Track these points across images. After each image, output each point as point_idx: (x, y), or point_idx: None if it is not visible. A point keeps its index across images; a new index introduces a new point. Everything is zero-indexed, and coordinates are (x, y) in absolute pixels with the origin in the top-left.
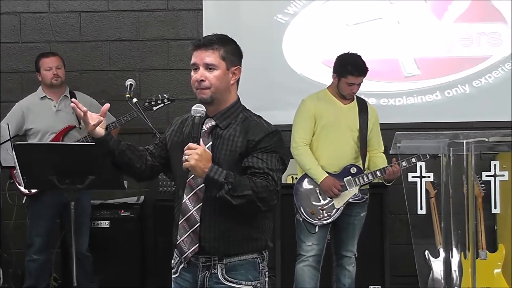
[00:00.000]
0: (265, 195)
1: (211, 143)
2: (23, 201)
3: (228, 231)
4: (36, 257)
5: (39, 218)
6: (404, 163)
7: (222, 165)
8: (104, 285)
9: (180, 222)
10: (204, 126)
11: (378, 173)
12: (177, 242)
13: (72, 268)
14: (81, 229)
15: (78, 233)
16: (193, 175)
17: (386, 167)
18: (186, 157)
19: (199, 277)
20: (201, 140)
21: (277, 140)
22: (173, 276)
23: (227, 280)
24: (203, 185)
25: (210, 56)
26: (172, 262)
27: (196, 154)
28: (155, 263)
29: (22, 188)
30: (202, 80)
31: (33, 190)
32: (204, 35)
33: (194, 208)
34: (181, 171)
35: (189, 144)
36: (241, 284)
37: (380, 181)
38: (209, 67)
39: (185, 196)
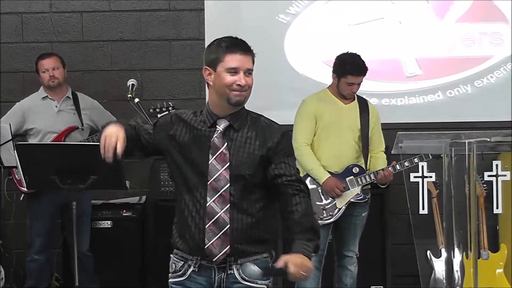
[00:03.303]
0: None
1: (226, 144)
2: (21, 198)
3: (251, 231)
4: (36, 257)
5: (38, 217)
6: (406, 163)
7: (240, 166)
8: (105, 285)
9: (207, 226)
10: (217, 126)
11: (372, 176)
12: (206, 246)
13: (73, 268)
14: (82, 229)
15: (79, 233)
16: (214, 178)
17: (378, 171)
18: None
19: (216, 279)
20: (215, 139)
21: (290, 140)
22: (177, 279)
23: (244, 280)
24: (227, 185)
25: (249, 62)
26: (173, 266)
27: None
28: (156, 263)
29: (20, 186)
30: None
31: None
32: (206, 35)
33: (222, 210)
34: (195, 172)
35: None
36: (256, 283)
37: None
38: (248, 71)
39: (209, 199)
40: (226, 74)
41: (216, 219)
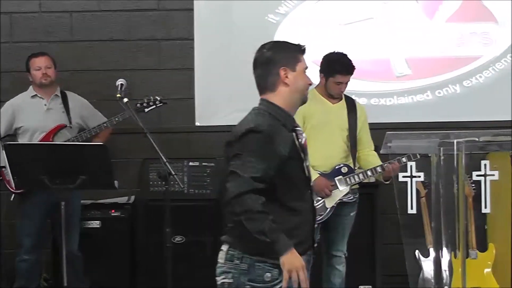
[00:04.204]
0: None
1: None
2: (11, 199)
3: None
4: (26, 257)
5: (28, 217)
6: (404, 159)
7: None
8: (94, 285)
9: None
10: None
11: (379, 169)
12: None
13: (62, 268)
14: (72, 229)
15: (68, 233)
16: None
17: (385, 164)
18: None
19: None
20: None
21: None
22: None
23: None
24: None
25: None
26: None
27: None
28: (146, 263)
29: (9, 186)
30: None
31: None
32: (195, 35)
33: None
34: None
35: None
36: None
37: (371, 181)
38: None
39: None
40: (304, 74)
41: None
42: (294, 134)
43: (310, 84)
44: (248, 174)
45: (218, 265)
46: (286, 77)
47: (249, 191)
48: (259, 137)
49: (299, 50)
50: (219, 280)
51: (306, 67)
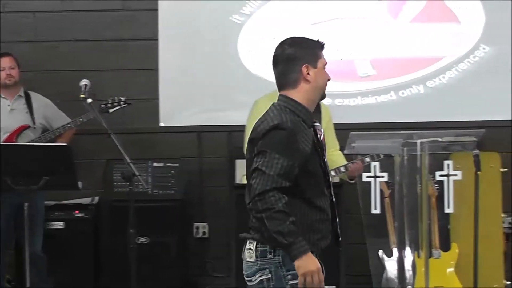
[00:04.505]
0: None
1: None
2: None
3: None
4: None
5: None
6: (367, 159)
7: None
8: (58, 286)
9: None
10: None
11: (342, 169)
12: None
13: (25, 269)
14: (35, 230)
15: (32, 234)
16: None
17: (349, 164)
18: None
19: None
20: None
21: None
22: None
23: None
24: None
25: None
26: None
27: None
28: (110, 264)
29: None
30: None
31: None
32: (160, 36)
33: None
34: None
35: None
36: None
37: (335, 181)
38: None
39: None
40: (324, 70)
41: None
42: (312, 130)
43: (329, 80)
44: (273, 171)
45: (249, 264)
46: (308, 74)
47: (274, 189)
48: (284, 134)
49: (320, 46)
50: (255, 278)
51: (326, 63)
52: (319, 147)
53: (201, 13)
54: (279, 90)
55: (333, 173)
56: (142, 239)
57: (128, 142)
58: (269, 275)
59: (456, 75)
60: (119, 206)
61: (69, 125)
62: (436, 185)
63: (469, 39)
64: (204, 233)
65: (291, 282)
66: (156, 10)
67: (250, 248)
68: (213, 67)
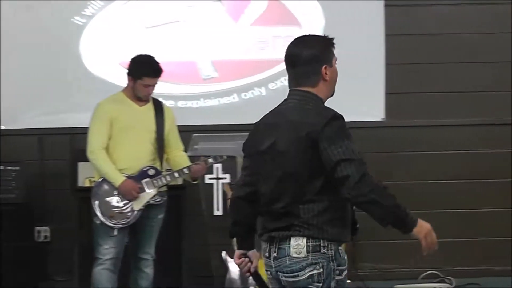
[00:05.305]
0: None
1: None
2: None
3: None
4: None
5: None
6: (210, 160)
7: None
8: None
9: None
10: None
11: (186, 170)
12: None
13: None
14: None
15: None
16: None
17: (191, 165)
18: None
19: None
20: None
21: None
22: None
23: None
24: None
25: None
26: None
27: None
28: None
29: None
30: None
31: None
32: (1, 35)
33: None
34: None
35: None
36: None
37: (179, 183)
38: None
39: None
40: (335, 66)
41: None
42: None
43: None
44: (356, 156)
45: (296, 260)
46: (326, 73)
47: (367, 171)
48: (343, 122)
49: (332, 44)
50: (304, 273)
51: (337, 59)
52: None
53: (41, 13)
54: (295, 87)
55: (176, 174)
56: None
57: None
58: (321, 270)
59: None
60: (7, 210)
61: None
62: None
63: None
64: (45, 237)
65: (337, 278)
66: None
67: (298, 244)
68: (54, 69)
